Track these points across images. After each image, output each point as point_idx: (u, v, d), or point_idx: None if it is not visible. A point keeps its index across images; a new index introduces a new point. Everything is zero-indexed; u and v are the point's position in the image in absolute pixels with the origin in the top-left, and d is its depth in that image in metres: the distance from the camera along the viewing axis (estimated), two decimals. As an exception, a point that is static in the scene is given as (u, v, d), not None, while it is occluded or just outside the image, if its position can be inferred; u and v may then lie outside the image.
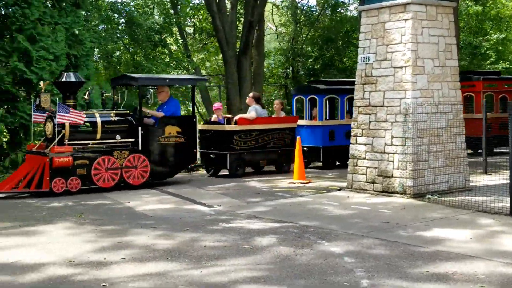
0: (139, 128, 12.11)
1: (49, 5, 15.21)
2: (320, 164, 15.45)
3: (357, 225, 8.35)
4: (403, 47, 10.74)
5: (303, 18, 27.62)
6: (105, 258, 6.59)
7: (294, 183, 12.40)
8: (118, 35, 23.00)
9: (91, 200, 10.84)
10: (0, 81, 13.61)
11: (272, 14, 30.10)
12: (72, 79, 11.78)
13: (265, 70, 25.85)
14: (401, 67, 10.74)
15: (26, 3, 14.12)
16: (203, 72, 28.44)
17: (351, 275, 5.99)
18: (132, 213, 9.48)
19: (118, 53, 24.16)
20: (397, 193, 10.62)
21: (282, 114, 14.84)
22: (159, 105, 13.36)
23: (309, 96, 15.16)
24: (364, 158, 11.24)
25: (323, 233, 7.85)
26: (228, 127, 13.58)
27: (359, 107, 11.42)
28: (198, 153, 13.39)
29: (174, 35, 25.73)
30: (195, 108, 15.08)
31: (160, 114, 12.72)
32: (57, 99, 11.70)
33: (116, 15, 23.21)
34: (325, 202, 10.21)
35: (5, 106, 14.24)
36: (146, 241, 7.43)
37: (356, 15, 27.52)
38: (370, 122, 11.20)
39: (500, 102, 18.63)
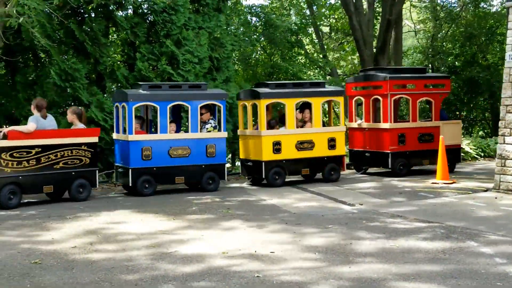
0: None
1: (193, 11, 15.94)
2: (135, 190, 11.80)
3: (507, 227, 8.06)
4: (555, 42, 10.19)
5: (443, 15, 26.83)
6: (255, 251, 6.88)
7: (438, 183, 12.15)
8: (255, 37, 23.60)
9: (236, 196, 11.31)
10: (150, 84, 14.49)
11: (410, 12, 29.48)
12: None
13: (403, 68, 25.36)
14: (554, 63, 10.20)
15: (173, 10, 14.90)
16: (339, 71, 28.45)
17: (504, 275, 5.83)
18: (275, 210, 9.76)
19: (255, 54, 24.81)
20: (550, 195, 10.10)
21: (81, 126, 11.27)
22: None
23: (122, 104, 11.84)
24: (513, 158, 10.78)
25: (471, 234, 7.66)
26: None
27: (507, 105, 10.98)
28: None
29: (310, 36, 25.97)
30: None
31: None
32: None
33: (254, 18, 23.83)
34: (472, 203, 9.93)
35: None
36: (292, 237, 7.64)
37: (499, 10, 26.32)
38: (519, 120, 10.73)
39: (421, 108, 14.77)
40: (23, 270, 6.28)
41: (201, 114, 12.23)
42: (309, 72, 24.41)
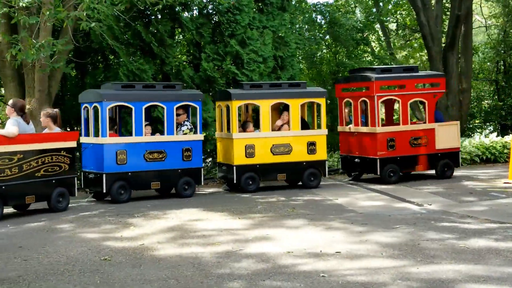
0: None
1: (257, 10, 15.98)
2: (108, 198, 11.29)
3: None
4: None
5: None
6: (320, 251, 6.82)
7: (510, 183, 11.75)
8: (320, 35, 23.45)
9: (301, 196, 11.26)
10: (215, 83, 14.62)
11: (481, 6, 28.66)
12: None
13: (473, 65, 24.70)
14: None
15: (238, 10, 14.98)
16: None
17: None
18: (341, 209, 9.66)
19: (320, 53, 24.63)
20: None
21: (57, 129, 10.36)
22: None
23: (94, 104, 11.03)
24: None
25: (547, 235, 7.37)
26: None
27: None
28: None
29: (376, 33, 25.62)
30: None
31: None
32: None
33: (318, 16, 23.67)
34: (546, 203, 9.56)
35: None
36: (358, 237, 7.54)
37: None
38: None
39: (412, 109, 13.39)
40: (93, 266, 6.43)
41: (177, 115, 11.60)
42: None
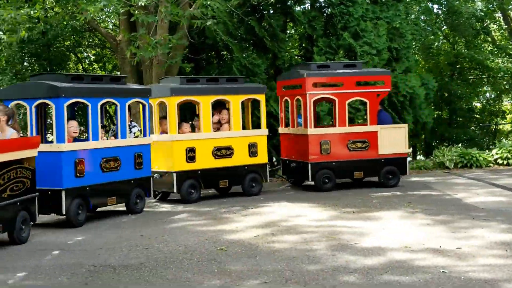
0: None
1: (370, 1, 15.69)
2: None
3: None
4: None
5: None
6: (440, 246, 6.56)
7: None
8: (437, 25, 22.68)
9: (418, 190, 10.96)
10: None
11: None
12: None
13: None
14: None
15: (351, 2, 14.78)
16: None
17: None
18: (461, 204, 9.29)
19: (437, 43, 23.85)
20: None
21: (11, 132, 7.79)
22: None
23: (37, 102, 8.58)
24: None
25: None
26: None
27: None
28: None
29: (497, 21, 24.45)
30: None
31: None
32: None
33: (435, 6, 22.91)
34: None
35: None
36: (481, 232, 7.20)
37: None
38: None
39: (350, 111, 11.91)
40: (210, 256, 6.55)
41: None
42: (496, 60, 22.94)
